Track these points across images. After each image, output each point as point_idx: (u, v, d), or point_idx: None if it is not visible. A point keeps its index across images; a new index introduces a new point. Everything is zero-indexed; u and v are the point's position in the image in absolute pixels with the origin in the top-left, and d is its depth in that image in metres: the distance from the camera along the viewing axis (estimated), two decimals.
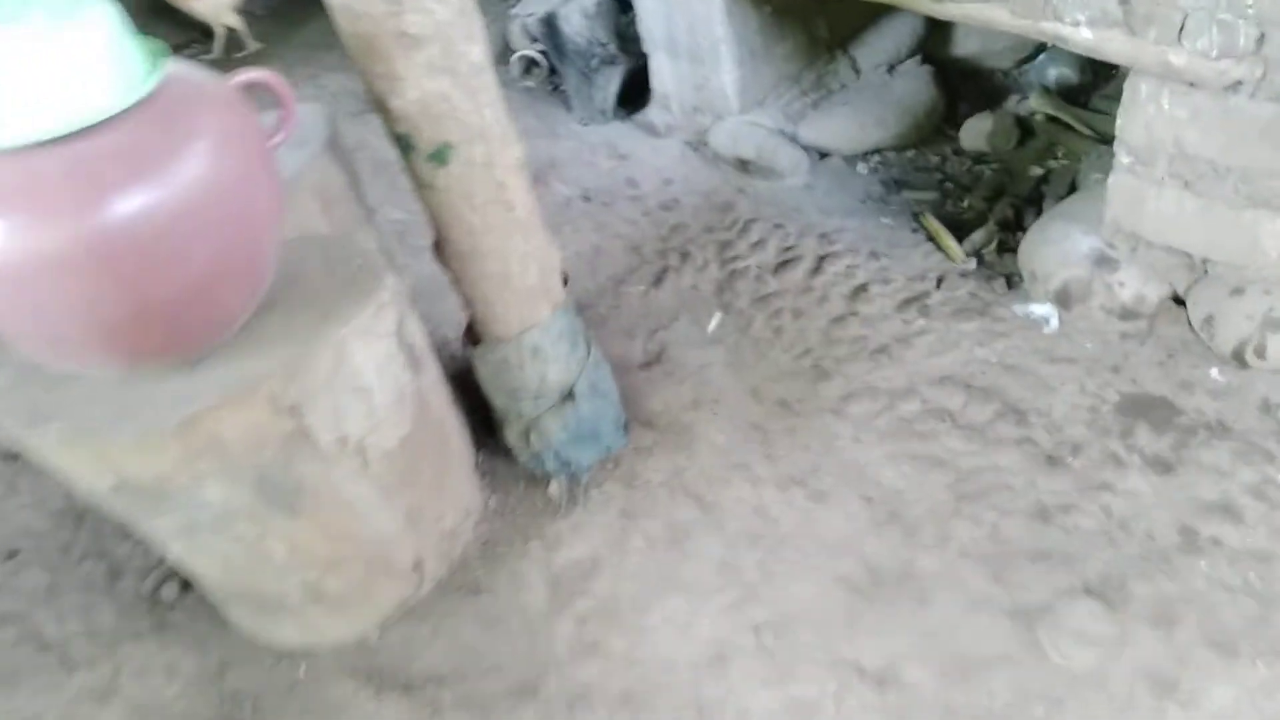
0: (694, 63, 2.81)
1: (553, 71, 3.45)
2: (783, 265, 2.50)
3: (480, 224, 1.69)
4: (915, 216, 2.61)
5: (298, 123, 1.48)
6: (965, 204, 2.64)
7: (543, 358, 1.85)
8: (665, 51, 2.89)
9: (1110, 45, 1.80)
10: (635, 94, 3.27)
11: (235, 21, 4.48)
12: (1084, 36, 1.83)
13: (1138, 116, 1.87)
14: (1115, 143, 1.95)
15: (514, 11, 3.45)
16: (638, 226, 2.81)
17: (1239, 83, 1.70)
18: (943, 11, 2.09)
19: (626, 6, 3.09)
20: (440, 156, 1.58)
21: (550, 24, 3.23)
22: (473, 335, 1.88)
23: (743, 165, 2.85)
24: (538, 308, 1.83)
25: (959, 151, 2.90)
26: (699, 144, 3.01)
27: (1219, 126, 1.76)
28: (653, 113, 3.11)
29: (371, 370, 1.48)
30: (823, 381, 2.13)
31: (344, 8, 1.44)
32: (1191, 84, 1.74)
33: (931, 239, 2.49)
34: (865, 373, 2.13)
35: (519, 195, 1.73)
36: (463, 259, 1.75)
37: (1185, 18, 1.66)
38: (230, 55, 4.57)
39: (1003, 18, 1.97)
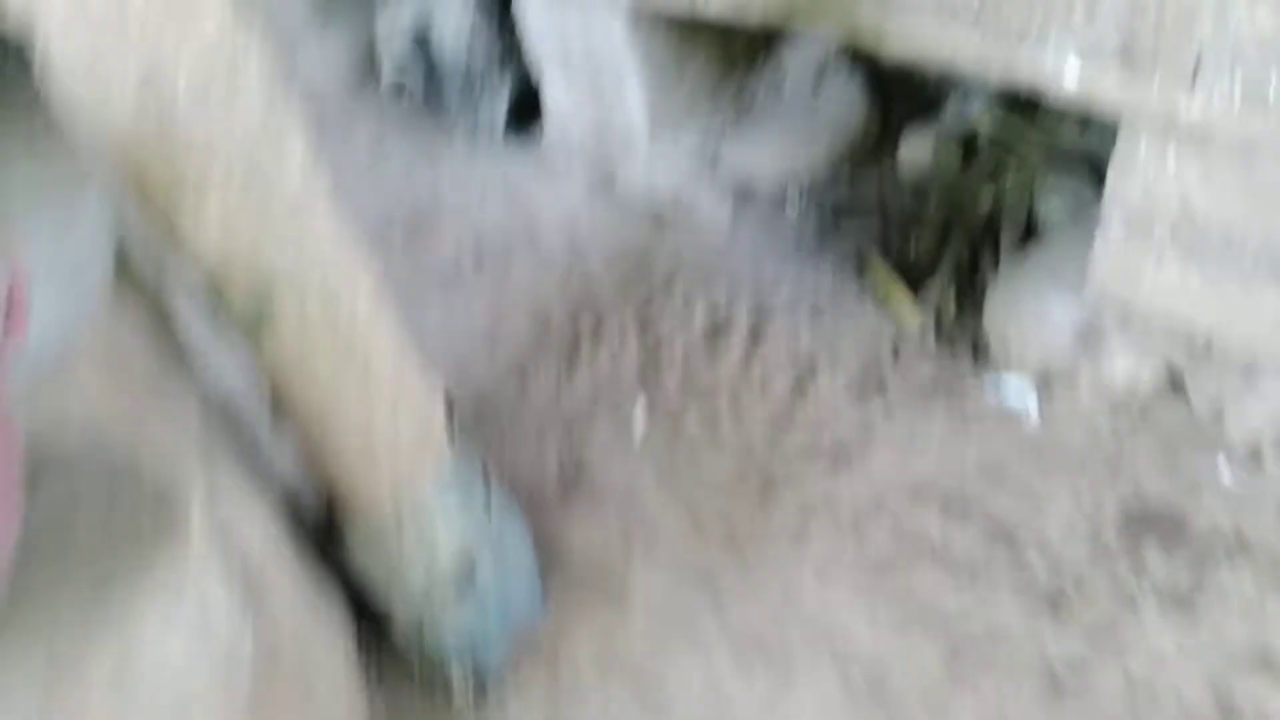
0: (594, 88, 2.39)
1: (429, 87, 2.98)
2: (714, 336, 2.13)
3: (328, 380, 1.28)
4: (858, 262, 2.26)
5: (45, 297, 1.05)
6: (912, 242, 2.30)
7: (429, 526, 1.46)
8: (559, 74, 2.45)
9: (1104, 89, 1.46)
10: (528, 109, 2.84)
11: None
12: (1069, 82, 1.49)
13: (1134, 174, 1.54)
14: (1104, 201, 1.63)
15: (380, 23, 2.95)
16: (541, 289, 2.40)
17: (1265, 141, 1.38)
18: (888, 50, 1.72)
19: (509, 18, 2.63)
20: (259, 308, 1.17)
21: (420, 40, 2.76)
22: (333, 513, 1.47)
23: (659, 208, 2.46)
24: (417, 465, 1.44)
25: (898, 173, 2.55)
26: (606, 180, 2.60)
27: (1238, 191, 1.44)
28: (550, 142, 2.69)
29: (169, 661, 1.07)
30: (774, 499, 1.79)
31: (87, 120, 1.00)
32: (1205, 140, 1.42)
33: (880, 292, 2.16)
34: (822, 485, 1.79)
35: (379, 335, 1.33)
36: (310, 424, 1.34)
37: (1200, 56, 1.33)
38: None
39: (966, 52, 1.61)
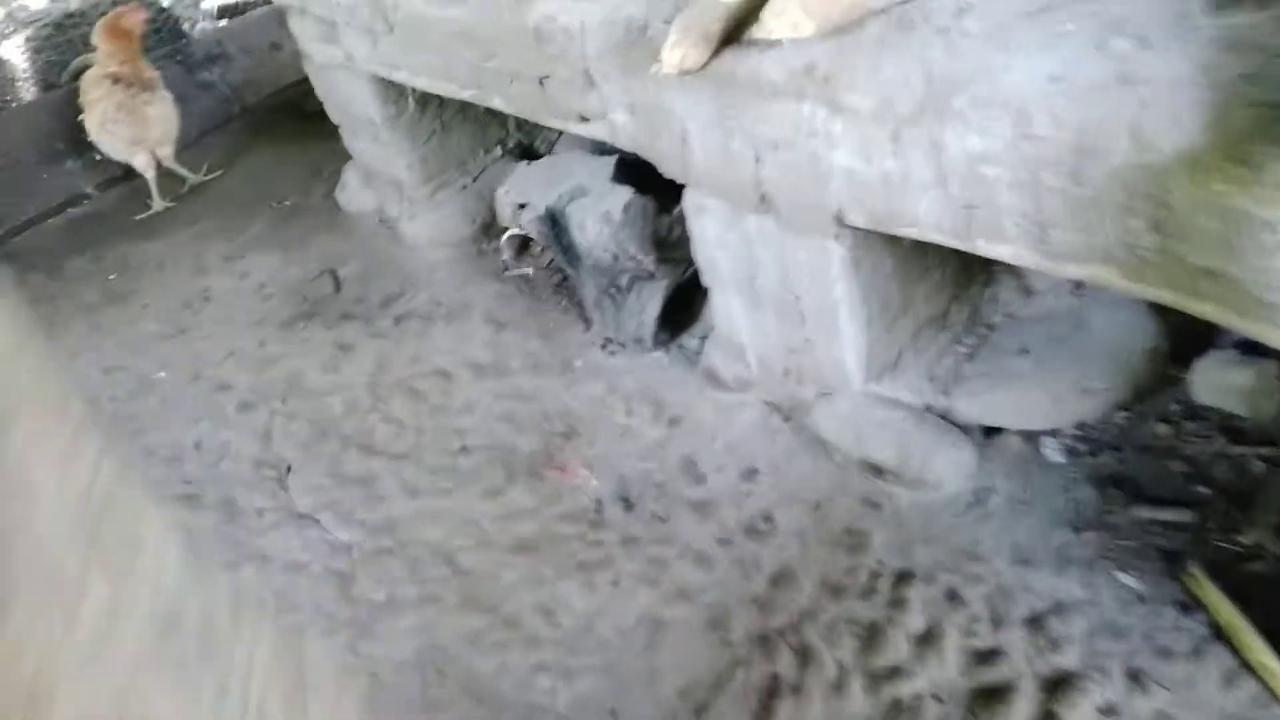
0: (787, 316, 1.82)
1: (561, 275, 2.46)
2: (983, 698, 1.50)
3: None
4: (1171, 565, 1.61)
5: None
6: (1247, 539, 1.64)
7: None
8: (739, 295, 1.89)
9: None
10: (684, 308, 2.28)
11: (170, 164, 3.72)
12: None
13: None
14: None
15: (502, 190, 2.46)
16: (714, 572, 1.80)
17: None
18: None
19: (667, 203, 2.10)
20: None
21: (555, 220, 2.24)
22: None
23: (870, 461, 1.85)
24: None
25: (1193, 412, 1.90)
26: (792, 409, 2.01)
27: None
28: (715, 356, 2.12)
29: None
30: None
31: None
32: None
33: (1221, 633, 1.49)
34: None
35: None
36: None
37: None
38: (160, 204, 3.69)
39: None
